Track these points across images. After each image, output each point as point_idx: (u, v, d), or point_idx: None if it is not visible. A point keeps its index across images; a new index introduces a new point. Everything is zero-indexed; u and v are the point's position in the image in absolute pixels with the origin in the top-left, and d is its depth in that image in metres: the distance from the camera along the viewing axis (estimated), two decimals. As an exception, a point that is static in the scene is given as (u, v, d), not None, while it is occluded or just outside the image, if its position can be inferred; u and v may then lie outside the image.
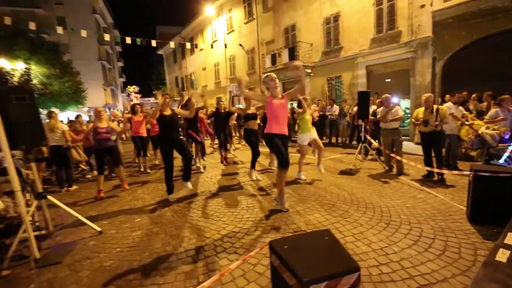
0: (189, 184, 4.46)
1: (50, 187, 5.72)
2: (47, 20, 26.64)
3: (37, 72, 17.99)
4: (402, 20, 9.50)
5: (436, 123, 4.59)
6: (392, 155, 5.42)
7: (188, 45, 16.78)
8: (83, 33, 11.85)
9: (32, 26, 10.92)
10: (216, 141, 8.49)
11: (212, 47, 19.08)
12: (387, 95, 5.69)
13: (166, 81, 32.65)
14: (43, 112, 15.64)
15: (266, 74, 3.54)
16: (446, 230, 2.84)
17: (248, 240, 2.83)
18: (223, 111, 6.98)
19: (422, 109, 4.90)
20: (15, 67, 16.57)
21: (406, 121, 9.87)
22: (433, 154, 4.88)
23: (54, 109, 5.65)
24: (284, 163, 3.38)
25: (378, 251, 2.47)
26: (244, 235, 2.94)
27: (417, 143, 8.87)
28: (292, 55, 12.95)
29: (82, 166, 6.93)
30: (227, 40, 18.82)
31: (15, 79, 16.47)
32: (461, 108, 5.59)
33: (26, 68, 17.04)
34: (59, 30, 12.26)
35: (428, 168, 4.82)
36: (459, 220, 3.07)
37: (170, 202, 4.21)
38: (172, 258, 2.55)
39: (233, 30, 18.47)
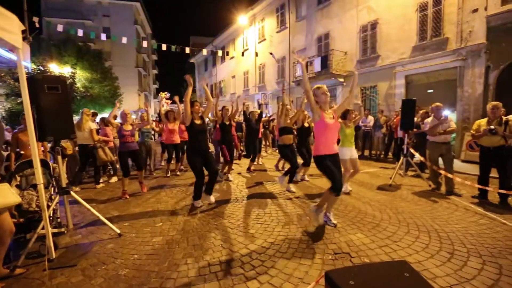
0: (212, 198, 4.17)
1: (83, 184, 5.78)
2: (95, 30, 28.98)
3: (81, 77, 19.35)
4: (450, 26, 8.70)
5: (506, 133, 3.88)
6: (442, 171, 4.74)
7: (219, 53, 17.08)
8: (124, 40, 12.52)
9: (80, 33, 11.76)
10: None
11: (243, 55, 19.26)
12: (438, 104, 5.04)
13: (196, 88, 33.59)
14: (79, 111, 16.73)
15: (317, 86, 3.06)
16: (535, 269, 2.22)
17: (280, 259, 2.43)
18: (254, 120, 6.56)
19: (484, 120, 4.23)
20: (63, 71, 17.96)
21: (452, 136, 8.92)
22: (492, 175, 4.15)
23: (85, 109, 5.64)
24: (337, 188, 2.90)
25: (448, 290, 1.95)
26: (276, 252, 2.55)
27: (463, 161, 7.92)
28: (325, 64, 12.53)
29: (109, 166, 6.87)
30: (258, 49, 18.88)
31: (61, 82, 17.85)
32: (526, 122, 4.79)
33: (72, 73, 18.40)
34: (103, 37, 13.19)
35: (482, 186, 4.13)
36: (547, 257, 2.42)
37: (194, 208, 3.95)
38: (193, 272, 2.24)
39: (264, 39, 18.51)
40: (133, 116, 5.34)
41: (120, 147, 4.75)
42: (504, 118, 4.01)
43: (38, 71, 16.57)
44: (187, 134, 6.44)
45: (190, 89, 3.83)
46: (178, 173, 6.63)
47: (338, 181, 2.89)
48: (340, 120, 4.82)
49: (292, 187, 4.85)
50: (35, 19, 10.84)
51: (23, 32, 4.37)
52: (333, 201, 3.17)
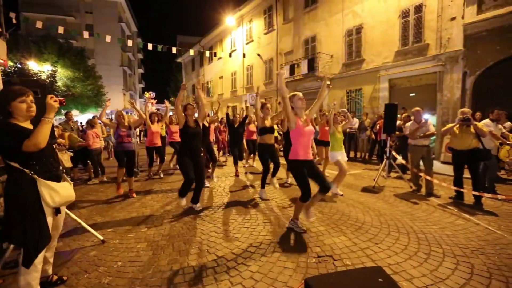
0: (198, 205, 4.10)
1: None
2: (77, 28, 28.07)
3: (62, 75, 18.71)
4: (430, 33, 9.08)
5: (477, 126, 4.11)
6: (421, 174, 4.94)
7: (207, 53, 16.89)
8: (108, 39, 12.11)
9: (61, 30, 11.33)
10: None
11: (230, 56, 19.22)
12: (418, 108, 5.25)
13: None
14: (62, 112, 16.13)
15: (293, 93, 3.11)
16: (503, 268, 2.37)
17: (265, 263, 2.47)
18: (237, 124, 6.47)
19: (453, 124, 4.46)
20: (43, 69, 17.29)
21: (431, 138, 9.28)
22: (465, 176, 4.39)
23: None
24: (305, 198, 2.97)
25: (424, 290, 2.05)
26: (261, 257, 2.58)
27: (443, 162, 8.26)
28: (312, 66, 12.72)
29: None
30: (245, 50, 18.91)
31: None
32: (500, 126, 5.08)
33: (52, 71, 17.74)
34: (85, 34, 12.72)
35: (457, 188, 4.35)
36: (515, 256, 2.59)
37: (179, 212, 3.93)
38: (178, 279, 2.24)
39: (252, 40, 18.56)
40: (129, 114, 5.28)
41: (116, 147, 4.89)
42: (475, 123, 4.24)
43: (16, 69, 15.88)
44: (178, 135, 6.32)
45: (181, 93, 3.83)
46: (161, 175, 6.55)
47: (307, 193, 2.94)
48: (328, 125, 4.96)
49: (264, 193, 4.64)
50: (12, 14, 10.36)
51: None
52: (301, 208, 3.19)
